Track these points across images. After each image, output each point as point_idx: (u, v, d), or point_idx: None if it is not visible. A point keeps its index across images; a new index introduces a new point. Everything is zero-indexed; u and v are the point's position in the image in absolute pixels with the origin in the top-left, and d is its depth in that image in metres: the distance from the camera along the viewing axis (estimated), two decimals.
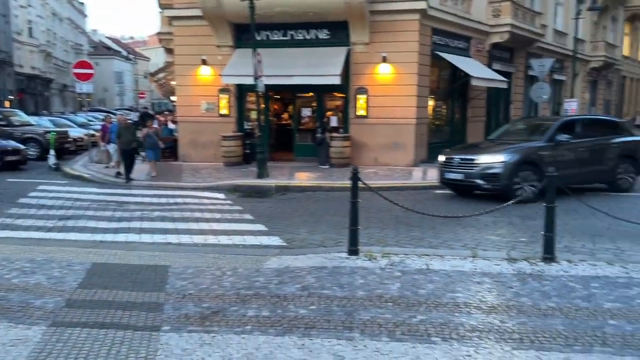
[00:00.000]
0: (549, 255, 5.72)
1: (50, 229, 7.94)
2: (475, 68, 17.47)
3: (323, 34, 16.09)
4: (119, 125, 13.54)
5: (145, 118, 19.68)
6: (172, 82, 23.51)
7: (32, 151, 17.53)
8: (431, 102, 17.41)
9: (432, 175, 12.68)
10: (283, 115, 19.21)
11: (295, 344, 3.72)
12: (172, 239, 7.41)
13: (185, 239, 7.41)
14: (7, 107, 32.41)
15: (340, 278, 5.21)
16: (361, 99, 15.95)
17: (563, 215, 8.40)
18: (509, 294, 4.71)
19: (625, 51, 36.87)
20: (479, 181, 10.31)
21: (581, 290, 4.79)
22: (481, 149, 11.37)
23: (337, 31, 15.89)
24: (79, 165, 16.00)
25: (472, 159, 10.49)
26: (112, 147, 14.60)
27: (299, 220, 8.85)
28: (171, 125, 18.72)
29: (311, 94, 17.06)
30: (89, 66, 17.78)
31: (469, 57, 18.37)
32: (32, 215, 8.91)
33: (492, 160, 10.30)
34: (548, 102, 24.16)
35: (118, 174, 13.64)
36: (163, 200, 10.68)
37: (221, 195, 11.50)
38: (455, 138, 18.25)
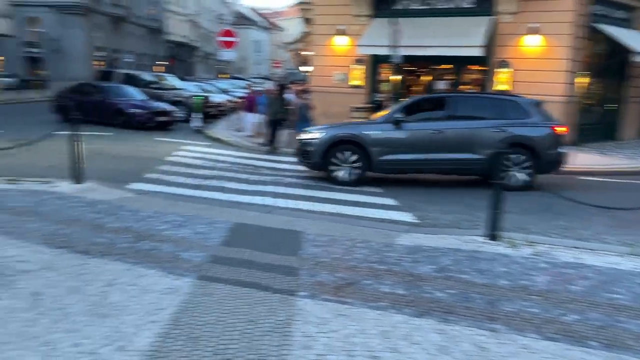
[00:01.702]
0: None
1: (195, 187, 8.51)
2: (639, 42, 15.45)
3: (466, 3, 15.20)
4: (269, 96, 13.75)
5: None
6: (304, 53, 23.93)
7: (180, 114, 18.69)
8: (583, 79, 15.78)
9: (582, 160, 11.54)
10: (415, 88, 18.65)
11: (434, 329, 3.55)
12: (304, 205, 7.55)
13: (317, 206, 7.51)
14: (163, 72, 35.08)
15: (478, 263, 4.91)
16: (503, 73, 14.93)
17: None
18: None
19: None
20: (300, 158, 9.79)
21: None
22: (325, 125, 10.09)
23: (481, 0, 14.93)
24: (219, 129, 16.98)
25: (302, 135, 9.89)
26: (258, 118, 14.64)
27: (430, 197, 8.55)
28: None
29: (448, 65, 16.31)
30: (233, 35, 18.62)
31: (633, 29, 16.27)
32: (178, 173, 9.62)
33: (310, 136, 9.60)
34: None
35: (261, 144, 14.04)
36: (295, 167, 10.94)
37: None
38: (608, 119, 16.48)
